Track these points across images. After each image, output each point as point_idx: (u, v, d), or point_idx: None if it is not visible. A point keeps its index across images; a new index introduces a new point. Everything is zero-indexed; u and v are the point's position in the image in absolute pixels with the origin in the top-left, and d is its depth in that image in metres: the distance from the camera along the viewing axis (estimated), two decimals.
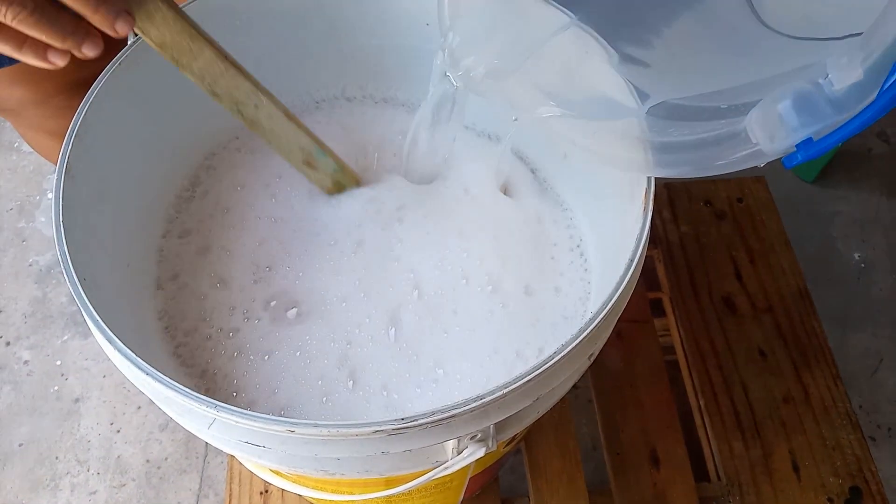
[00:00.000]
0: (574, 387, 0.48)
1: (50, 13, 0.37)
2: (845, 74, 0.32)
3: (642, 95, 0.44)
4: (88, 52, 0.40)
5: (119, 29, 0.39)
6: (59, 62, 0.40)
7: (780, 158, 0.37)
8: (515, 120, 0.51)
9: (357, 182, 0.57)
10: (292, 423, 0.35)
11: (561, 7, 0.47)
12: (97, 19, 0.38)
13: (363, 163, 0.60)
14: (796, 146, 0.35)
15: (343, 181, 0.56)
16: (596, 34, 0.46)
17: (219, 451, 1.05)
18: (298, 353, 0.50)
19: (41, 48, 0.39)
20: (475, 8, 0.47)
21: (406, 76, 0.63)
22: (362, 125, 0.63)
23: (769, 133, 0.35)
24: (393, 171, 0.59)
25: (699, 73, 0.43)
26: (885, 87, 0.31)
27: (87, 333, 1.17)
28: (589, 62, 0.46)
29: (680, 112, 0.42)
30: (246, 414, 0.35)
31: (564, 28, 0.46)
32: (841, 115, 0.33)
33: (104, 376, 1.12)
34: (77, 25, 0.39)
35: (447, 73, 0.46)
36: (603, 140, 0.45)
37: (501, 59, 0.45)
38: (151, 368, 0.37)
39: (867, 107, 0.32)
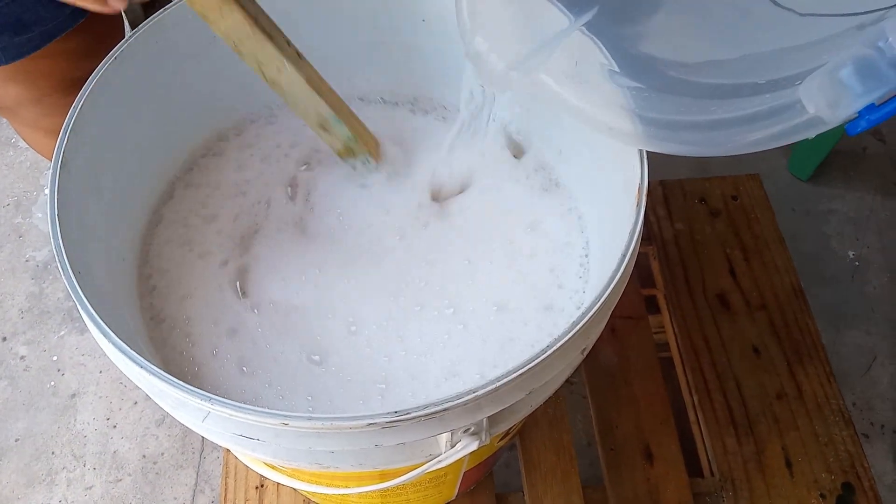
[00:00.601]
0: (568, 382, 0.48)
1: None
2: None
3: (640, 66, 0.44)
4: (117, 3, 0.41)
5: None
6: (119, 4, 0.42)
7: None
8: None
9: (373, 152, 0.58)
10: (286, 416, 0.35)
11: (564, 10, 0.47)
12: None
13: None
14: (859, 113, 0.34)
15: (355, 149, 0.56)
16: (597, 41, 0.46)
17: (215, 447, 1.05)
18: (285, 345, 0.50)
19: None
20: (492, 14, 0.48)
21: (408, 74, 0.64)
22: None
23: (831, 101, 0.35)
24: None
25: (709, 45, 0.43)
26: None
27: (84, 329, 1.17)
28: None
29: (715, 90, 0.42)
30: (240, 407, 0.35)
31: (570, 32, 0.46)
32: None
33: (100, 372, 1.12)
34: None
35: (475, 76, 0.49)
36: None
37: (520, 56, 0.46)
38: (146, 362, 0.37)
39: None
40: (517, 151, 0.61)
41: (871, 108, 0.34)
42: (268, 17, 0.47)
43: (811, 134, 0.37)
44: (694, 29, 0.44)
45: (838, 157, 1.31)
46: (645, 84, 0.44)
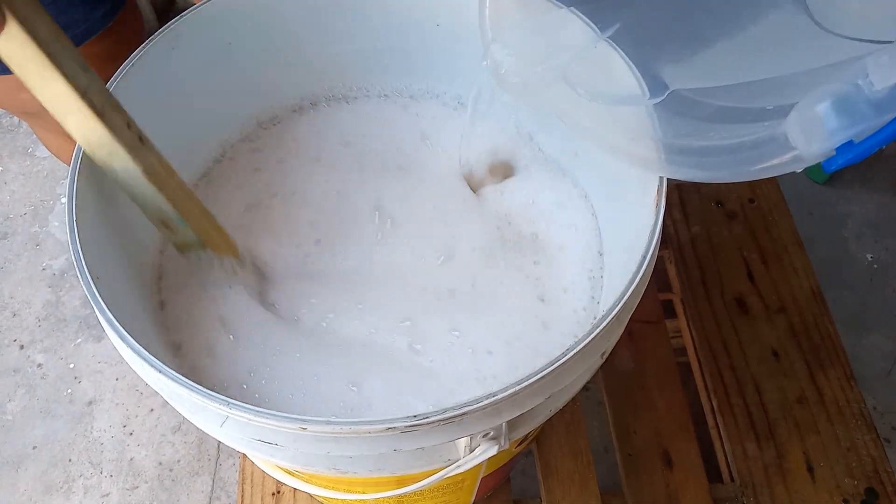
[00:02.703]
0: (585, 388, 0.47)
1: None
2: (887, 74, 0.31)
3: (660, 85, 0.44)
4: None
5: None
6: None
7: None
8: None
9: (233, 254, 0.51)
10: (304, 421, 0.35)
11: (589, 22, 0.47)
12: None
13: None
14: (836, 149, 0.34)
15: (199, 250, 0.49)
16: (621, 52, 0.46)
17: (231, 454, 1.06)
18: (307, 356, 0.50)
19: None
20: (512, 23, 0.48)
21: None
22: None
23: (808, 136, 0.34)
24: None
25: (734, 64, 0.43)
26: None
27: (100, 336, 1.17)
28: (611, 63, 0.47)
29: (721, 115, 0.41)
30: (259, 411, 0.35)
31: (593, 44, 0.46)
32: (882, 116, 0.31)
33: (117, 379, 1.13)
34: None
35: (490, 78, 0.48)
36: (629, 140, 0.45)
37: (535, 68, 0.46)
38: (164, 366, 0.37)
39: None
40: (531, 149, 0.61)
41: (848, 145, 0.33)
42: (105, 92, 0.41)
43: (795, 168, 0.37)
44: (721, 48, 0.43)
45: None
46: (656, 101, 0.44)
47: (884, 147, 0.33)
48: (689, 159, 0.41)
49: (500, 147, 0.59)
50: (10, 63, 0.38)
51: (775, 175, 0.38)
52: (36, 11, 0.37)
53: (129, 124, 0.42)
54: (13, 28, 0.36)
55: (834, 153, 0.34)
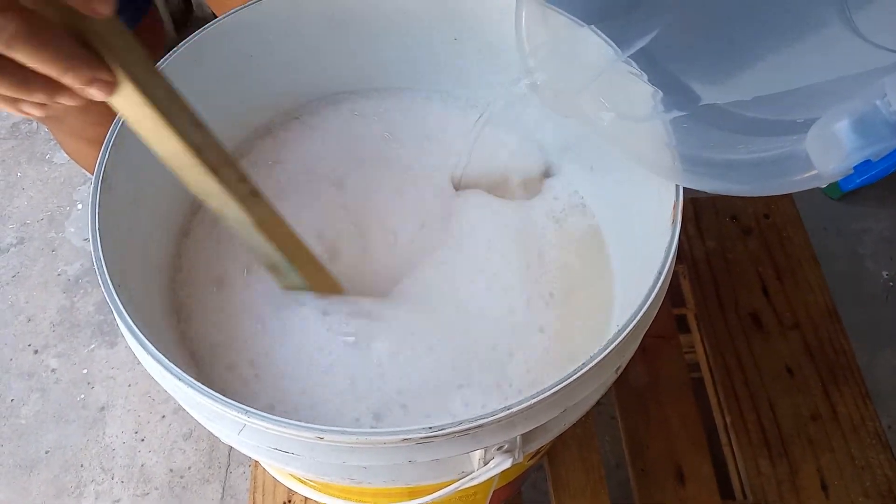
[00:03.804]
0: (597, 402, 0.47)
1: (10, 70, 0.33)
2: None
3: (692, 97, 0.44)
4: (69, 102, 0.36)
5: (93, 96, 0.35)
6: (35, 112, 0.37)
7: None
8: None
9: (337, 292, 0.53)
10: (321, 430, 0.35)
11: (609, 41, 0.47)
12: (67, 82, 0.34)
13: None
14: (854, 168, 0.33)
15: (305, 290, 0.52)
16: (639, 72, 0.46)
17: (241, 462, 1.06)
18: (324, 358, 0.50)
19: (9, 99, 0.35)
20: (544, 41, 0.49)
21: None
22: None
23: (825, 154, 0.34)
24: None
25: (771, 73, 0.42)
26: None
27: (114, 342, 1.18)
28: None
29: (753, 126, 0.41)
30: (276, 420, 0.35)
31: (614, 63, 0.46)
32: None
33: (129, 385, 1.14)
34: (47, 82, 0.34)
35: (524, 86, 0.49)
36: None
37: (564, 82, 0.47)
38: (184, 374, 0.37)
39: None
40: (547, 163, 0.61)
41: (867, 164, 0.33)
42: (219, 147, 0.42)
43: (815, 185, 0.36)
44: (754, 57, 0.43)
45: None
46: (686, 113, 0.44)
47: None
48: (712, 170, 0.41)
49: (518, 159, 0.59)
50: (127, 121, 0.39)
51: (795, 191, 0.38)
52: (152, 73, 0.38)
53: (242, 179, 0.43)
54: (128, 89, 0.37)
55: (852, 171, 0.34)
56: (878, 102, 0.32)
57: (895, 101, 0.31)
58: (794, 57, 0.41)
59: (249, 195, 0.44)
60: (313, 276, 0.51)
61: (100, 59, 0.35)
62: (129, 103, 0.37)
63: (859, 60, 0.38)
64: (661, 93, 0.45)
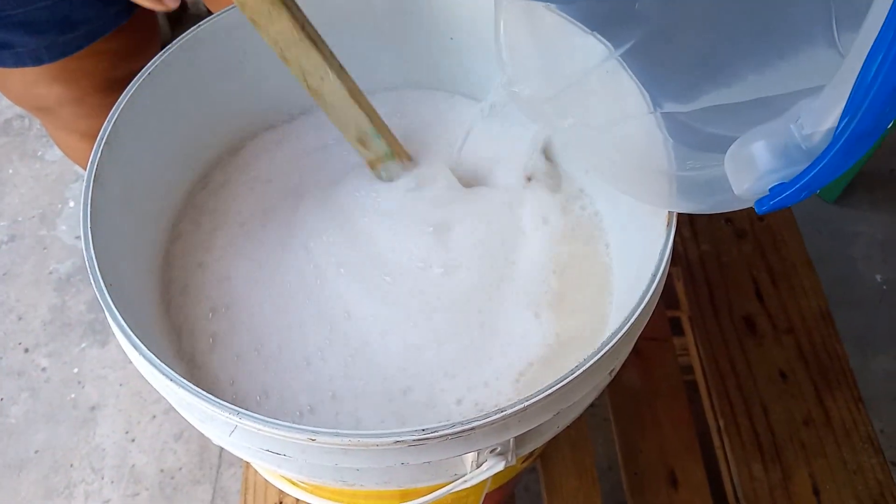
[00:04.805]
0: (590, 405, 0.47)
1: None
2: (817, 118, 0.29)
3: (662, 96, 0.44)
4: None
5: None
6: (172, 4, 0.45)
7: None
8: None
9: (408, 158, 0.58)
10: (313, 432, 0.35)
11: (603, 40, 0.47)
12: None
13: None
14: (770, 190, 0.32)
15: (390, 166, 0.57)
16: (629, 71, 0.46)
17: (232, 463, 1.05)
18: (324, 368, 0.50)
19: None
20: (525, 43, 0.49)
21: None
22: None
23: (740, 174, 0.34)
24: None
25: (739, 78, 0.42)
26: (837, 131, 0.28)
27: (105, 342, 1.18)
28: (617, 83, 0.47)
29: (709, 143, 0.41)
30: (268, 421, 0.35)
31: (604, 61, 0.46)
32: (811, 161, 0.30)
33: (120, 385, 1.13)
34: None
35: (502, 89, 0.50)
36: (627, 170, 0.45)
37: (544, 85, 0.47)
38: (175, 374, 0.37)
39: (821, 154, 0.29)
40: (543, 161, 0.61)
41: (781, 187, 0.32)
42: (313, 27, 0.48)
43: (740, 206, 0.36)
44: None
45: (864, 178, 1.30)
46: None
47: (817, 192, 0.32)
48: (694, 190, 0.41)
49: (511, 156, 0.59)
50: (245, 7, 0.45)
51: (727, 211, 0.37)
52: None
53: (332, 54, 0.49)
54: None
55: (767, 193, 0.33)
56: (792, 126, 0.31)
57: (808, 124, 0.30)
58: (773, 70, 0.41)
59: (340, 67, 0.50)
60: (393, 143, 0.56)
61: None
62: None
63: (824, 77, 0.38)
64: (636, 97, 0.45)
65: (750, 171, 0.33)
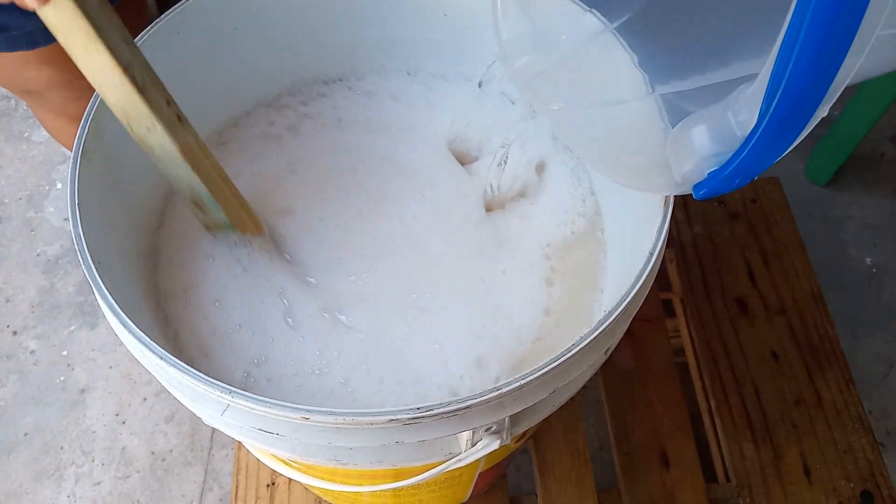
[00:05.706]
0: (583, 386, 0.47)
1: None
2: (750, 105, 0.29)
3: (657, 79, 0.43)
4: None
5: (28, 5, 0.36)
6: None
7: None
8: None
9: (259, 232, 0.51)
10: (307, 411, 0.35)
11: (599, 16, 0.46)
12: None
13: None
14: (710, 174, 0.32)
15: (230, 236, 0.51)
16: (623, 42, 0.46)
17: (224, 444, 1.05)
18: (311, 346, 0.50)
19: None
20: (521, 19, 0.48)
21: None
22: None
23: (681, 157, 0.33)
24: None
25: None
26: (758, 117, 0.28)
27: (94, 324, 1.17)
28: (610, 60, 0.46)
29: None
30: (261, 400, 0.35)
31: (598, 34, 0.45)
32: (747, 146, 0.30)
33: (110, 367, 1.12)
34: None
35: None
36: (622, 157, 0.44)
37: (538, 58, 0.46)
38: (166, 353, 0.36)
39: (745, 140, 0.29)
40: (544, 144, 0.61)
41: (716, 172, 0.32)
42: (148, 68, 0.41)
43: (681, 191, 0.35)
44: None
45: (856, 162, 1.30)
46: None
47: (761, 174, 0.31)
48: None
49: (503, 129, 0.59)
50: (57, 32, 0.38)
51: (677, 194, 0.37)
52: None
53: (169, 102, 0.42)
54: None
55: (705, 177, 0.32)
56: (729, 112, 0.31)
57: (743, 110, 0.30)
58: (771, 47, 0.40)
59: (176, 120, 0.42)
60: (237, 213, 0.49)
61: None
62: (60, 13, 0.37)
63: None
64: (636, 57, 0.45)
65: (689, 155, 0.33)
